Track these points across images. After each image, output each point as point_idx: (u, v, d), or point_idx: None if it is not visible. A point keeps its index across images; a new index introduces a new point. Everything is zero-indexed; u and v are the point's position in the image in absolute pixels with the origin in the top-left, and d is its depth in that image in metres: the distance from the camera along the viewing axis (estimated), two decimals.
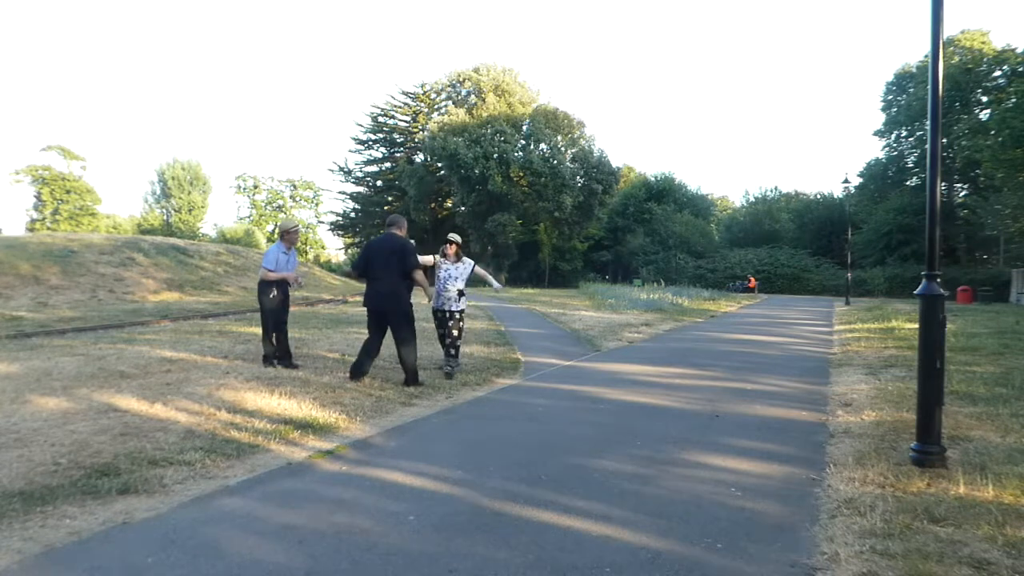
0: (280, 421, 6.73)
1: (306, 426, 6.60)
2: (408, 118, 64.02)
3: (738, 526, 4.25)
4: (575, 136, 58.12)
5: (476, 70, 59.59)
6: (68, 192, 73.59)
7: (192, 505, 4.54)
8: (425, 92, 63.65)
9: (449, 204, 60.30)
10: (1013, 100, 34.35)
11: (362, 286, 9.04)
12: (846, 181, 35.66)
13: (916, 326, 5.63)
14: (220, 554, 3.74)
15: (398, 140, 64.52)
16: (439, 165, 56.02)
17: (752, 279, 49.28)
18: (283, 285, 9.81)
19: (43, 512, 4.30)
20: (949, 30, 46.07)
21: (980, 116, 44.35)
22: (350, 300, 25.91)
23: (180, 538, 3.96)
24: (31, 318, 15.95)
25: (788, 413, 7.68)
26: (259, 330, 14.01)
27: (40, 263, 22.37)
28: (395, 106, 64.05)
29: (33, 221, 73.44)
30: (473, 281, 10.75)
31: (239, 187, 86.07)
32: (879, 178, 52.16)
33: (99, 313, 17.54)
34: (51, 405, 7.04)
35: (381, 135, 64.83)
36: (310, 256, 78.20)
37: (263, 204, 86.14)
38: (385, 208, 63.16)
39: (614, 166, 59.73)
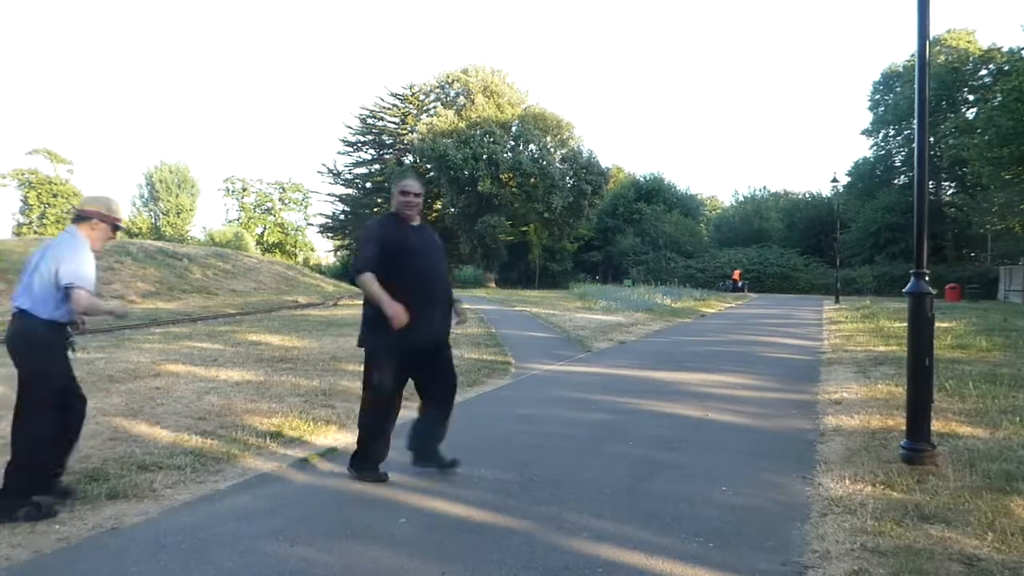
0: (271, 425, 6.70)
1: (297, 430, 6.58)
2: (397, 120, 63.90)
3: (729, 525, 4.26)
4: (564, 137, 58.15)
5: (465, 71, 59.56)
6: (55, 196, 73.04)
7: (182, 510, 4.51)
8: (413, 93, 63.56)
9: (439, 206, 60.17)
10: (999, 99, 34.55)
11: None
12: (834, 180, 35.81)
13: (905, 324, 5.65)
14: (211, 559, 3.72)
15: (387, 142, 64.40)
16: (428, 167, 55.92)
17: (736, 272, 49.15)
18: None
19: None
20: (935, 29, 46.32)
21: (967, 115, 44.62)
22: (340, 303, 25.83)
23: (171, 543, 3.94)
24: None
25: (778, 412, 7.70)
26: (253, 335, 13.98)
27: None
28: (384, 108, 63.94)
29: (20, 225, 72.93)
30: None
31: (227, 190, 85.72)
32: (867, 177, 52.40)
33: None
34: None
35: (370, 137, 64.68)
36: (299, 259, 77.91)
37: (252, 207, 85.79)
38: (375, 210, 62.98)
39: (603, 167, 59.77)
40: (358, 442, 5.13)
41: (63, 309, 4.32)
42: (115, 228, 4.61)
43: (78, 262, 4.30)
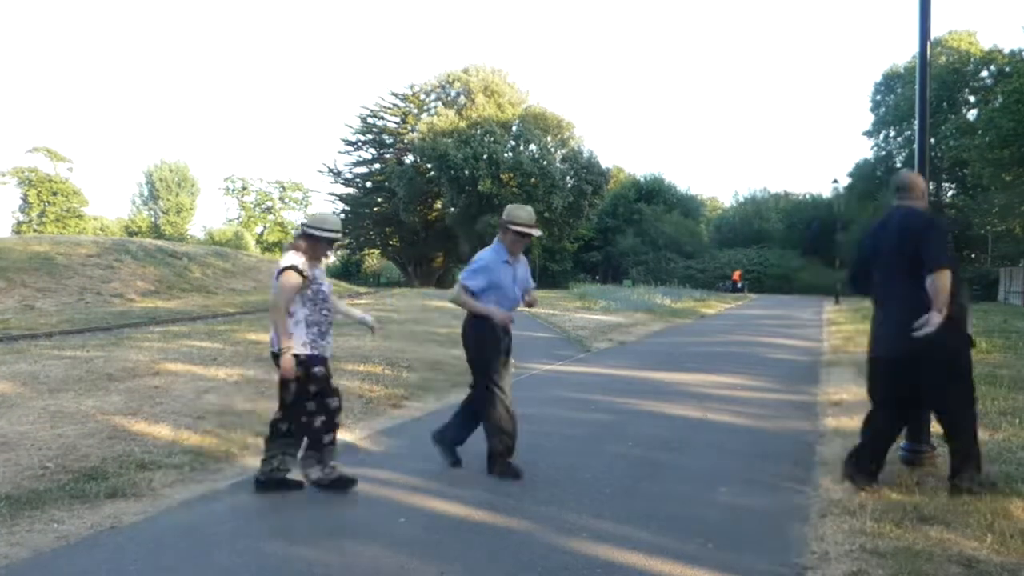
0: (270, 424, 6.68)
1: None
2: (397, 119, 63.79)
3: (729, 526, 4.26)
4: (564, 137, 58.10)
5: (465, 71, 59.48)
6: (55, 194, 72.95)
7: (181, 509, 4.51)
8: (414, 93, 63.45)
9: (439, 205, 60.10)
10: (1000, 100, 34.55)
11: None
12: (835, 181, 35.93)
13: None
14: (210, 558, 3.72)
15: (387, 141, 64.26)
16: (428, 166, 55.86)
17: (736, 273, 48.97)
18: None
19: (31, 516, 4.27)
20: (936, 31, 46.28)
21: (968, 116, 44.61)
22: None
23: (169, 542, 3.94)
24: (17, 321, 15.84)
25: (777, 413, 7.70)
26: (252, 334, 13.97)
27: (26, 266, 22.22)
28: (384, 107, 63.80)
29: (19, 223, 72.84)
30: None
31: (227, 189, 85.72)
32: (868, 178, 52.34)
33: (86, 316, 17.44)
34: (38, 408, 6.98)
35: (370, 136, 64.57)
36: None
37: (252, 206, 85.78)
38: (375, 209, 62.83)
39: (604, 167, 59.72)
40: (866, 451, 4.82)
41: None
42: (521, 234, 5.28)
43: (472, 265, 5.32)
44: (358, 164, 65.65)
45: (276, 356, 4.75)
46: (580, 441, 6.33)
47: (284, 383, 4.79)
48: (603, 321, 19.95)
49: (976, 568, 3.53)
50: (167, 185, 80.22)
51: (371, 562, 3.69)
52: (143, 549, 3.83)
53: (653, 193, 65.69)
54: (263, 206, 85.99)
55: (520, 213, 5.38)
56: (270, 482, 4.85)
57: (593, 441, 6.34)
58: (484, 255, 5.35)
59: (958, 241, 47.16)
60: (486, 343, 5.23)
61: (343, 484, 4.85)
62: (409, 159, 59.75)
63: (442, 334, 14.98)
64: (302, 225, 4.97)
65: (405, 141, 61.67)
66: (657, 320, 21.45)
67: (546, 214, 54.34)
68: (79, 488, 4.74)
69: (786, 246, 56.51)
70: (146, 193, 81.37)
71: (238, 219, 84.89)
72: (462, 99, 58.58)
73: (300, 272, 4.75)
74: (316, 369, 4.80)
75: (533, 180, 53.30)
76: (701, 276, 52.47)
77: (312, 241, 4.87)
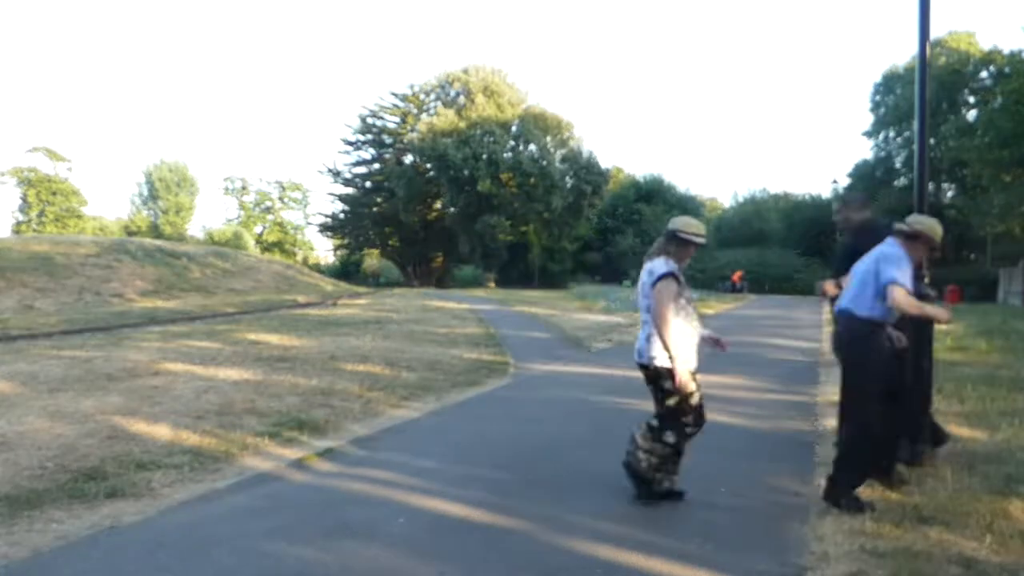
0: (269, 424, 6.69)
1: (296, 428, 6.58)
2: (397, 119, 63.80)
3: (728, 526, 4.26)
4: (564, 137, 58.12)
5: (465, 71, 59.49)
6: (54, 194, 72.96)
7: (180, 508, 4.51)
8: (414, 93, 63.44)
9: (438, 205, 60.13)
10: (999, 101, 34.55)
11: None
12: (834, 181, 36.02)
13: None
14: (209, 558, 3.71)
15: (387, 142, 64.25)
16: (428, 166, 55.87)
17: (736, 274, 48.84)
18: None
19: (30, 516, 4.27)
20: (936, 31, 46.30)
21: (967, 117, 44.61)
22: (339, 303, 25.83)
23: (168, 541, 3.93)
24: (16, 321, 15.83)
25: (776, 414, 7.70)
26: (251, 334, 13.96)
27: (25, 266, 22.22)
28: (384, 107, 63.80)
29: (19, 223, 72.83)
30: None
31: (227, 188, 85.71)
32: (867, 178, 52.28)
33: (86, 316, 17.44)
34: (37, 408, 6.98)
35: (370, 136, 64.59)
36: (298, 258, 77.82)
37: (251, 206, 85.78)
38: (374, 209, 62.79)
39: (603, 167, 59.75)
40: None
41: (880, 308, 4.52)
42: (931, 248, 4.76)
43: (896, 266, 4.46)
44: (358, 164, 65.62)
45: (646, 368, 4.74)
46: (579, 441, 6.33)
47: (677, 394, 4.59)
48: (603, 321, 19.93)
49: (975, 568, 3.53)
50: (166, 185, 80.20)
51: (370, 562, 3.69)
52: (142, 549, 3.83)
53: (653, 193, 65.66)
54: (262, 206, 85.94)
55: (938, 226, 4.72)
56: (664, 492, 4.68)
57: (592, 442, 6.34)
58: (900, 252, 4.53)
59: (957, 242, 47.24)
60: (879, 347, 4.52)
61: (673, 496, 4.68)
62: (409, 159, 59.71)
63: (441, 334, 14.99)
64: (673, 230, 4.83)
65: (405, 141, 61.62)
66: None
67: (545, 214, 54.37)
68: (78, 488, 4.74)
69: (786, 246, 56.51)
70: (145, 193, 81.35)
71: (237, 219, 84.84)
72: (462, 99, 58.56)
73: (676, 278, 4.71)
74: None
75: (532, 180, 53.32)
76: (701, 276, 52.33)
77: (682, 246, 4.79)
